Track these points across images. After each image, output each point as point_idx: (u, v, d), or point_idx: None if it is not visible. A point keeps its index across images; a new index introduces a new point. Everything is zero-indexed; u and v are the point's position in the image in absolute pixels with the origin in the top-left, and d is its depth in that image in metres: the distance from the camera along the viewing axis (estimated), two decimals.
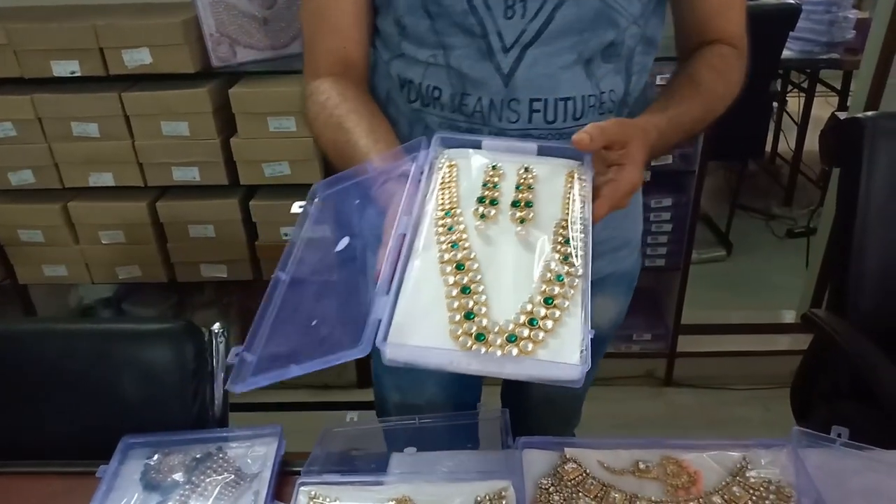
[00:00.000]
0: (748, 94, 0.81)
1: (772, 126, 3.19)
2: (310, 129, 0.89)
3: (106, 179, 1.78)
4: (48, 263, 1.90)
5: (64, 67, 1.66)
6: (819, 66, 2.80)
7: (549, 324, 0.60)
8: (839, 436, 0.82)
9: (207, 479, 0.86)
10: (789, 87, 3.26)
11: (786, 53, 2.64)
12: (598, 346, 1.08)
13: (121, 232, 1.83)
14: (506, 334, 0.59)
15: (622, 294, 1.08)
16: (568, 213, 0.69)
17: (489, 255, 0.66)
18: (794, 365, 1.41)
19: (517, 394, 1.13)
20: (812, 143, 3.03)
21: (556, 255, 0.65)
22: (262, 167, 1.74)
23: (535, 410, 1.17)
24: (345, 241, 0.72)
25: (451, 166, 0.75)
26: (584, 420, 1.30)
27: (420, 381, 1.07)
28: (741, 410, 2.03)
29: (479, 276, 0.64)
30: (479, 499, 0.80)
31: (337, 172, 0.80)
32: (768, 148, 3.39)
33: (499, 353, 0.58)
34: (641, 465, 0.83)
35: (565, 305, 0.61)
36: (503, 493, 0.80)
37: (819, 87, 3.04)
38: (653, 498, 0.79)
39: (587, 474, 0.82)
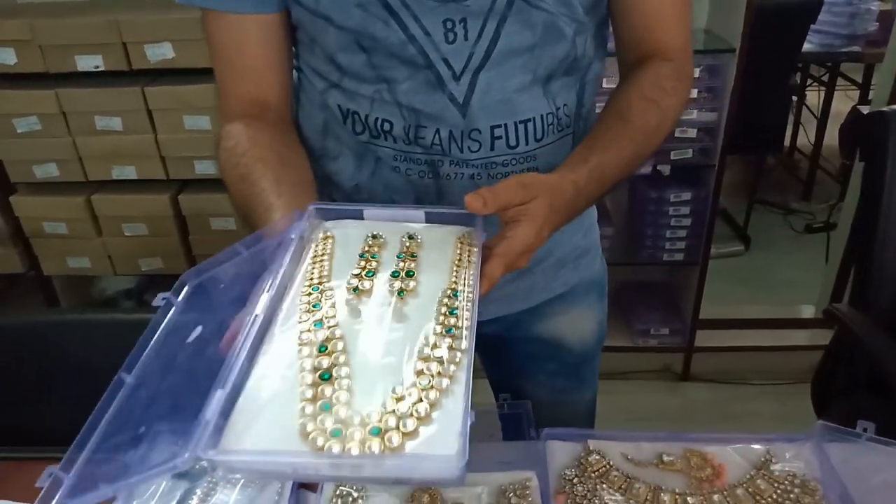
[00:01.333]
0: (768, 87, 0.80)
1: (790, 121, 3.17)
2: (221, 175, 0.79)
3: (129, 173, 1.81)
4: (72, 255, 1.93)
5: (87, 62, 1.69)
6: (840, 59, 2.77)
7: (423, 409, 0.49)
8: (865, 430, 0.82)
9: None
10: (809, 81, 3.23)
11: (806, 47, 2.61)
12: (588, 364, 1.06)
13: (143, 225, 1.86)
14: (368, 427, 0.48)
15: (595, 302, 1.02)
16: (455, 282, 0.61)
17: (359, 334, 0.56)
18: (812, 360, 1.41)
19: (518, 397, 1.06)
20: (831, 137, 3.02)
21: (438, 328, 0.56)
22: None
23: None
24: (197, 331, 0.61)
25: (325, 238, 0.66)
26: (600, 413, 1.30)
27: None
28: (758, 405, 2.03)
29: (343, 359, 0.53)
30: (502, 488, 0.80)
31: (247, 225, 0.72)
32: (787, 142, 3.36)
33: (355, 450, 0.46)
34: (665, 458, 0.84)
35: (443, 385, 0.51)
36: (527, 484, 0.81)
37: (840, 81, 3.01)
38: (677, 490, 0.80)
39: (611, 466, 0.83)
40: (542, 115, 0.77)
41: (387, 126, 0.77)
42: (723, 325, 2.16)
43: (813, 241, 2.79)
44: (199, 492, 0.84)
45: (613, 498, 0.79)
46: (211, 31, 0.77)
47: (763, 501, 0.77)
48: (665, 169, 1.81)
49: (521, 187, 0.64)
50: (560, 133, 0.81)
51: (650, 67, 0.80)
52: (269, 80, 0.79)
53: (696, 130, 1.77)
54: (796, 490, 0.78)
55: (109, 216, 1.86)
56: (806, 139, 3.19)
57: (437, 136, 0.75)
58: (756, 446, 0.84)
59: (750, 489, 0.79)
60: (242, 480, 0.85)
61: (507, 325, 0.95)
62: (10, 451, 0.96)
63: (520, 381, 1.06)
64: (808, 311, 2.29)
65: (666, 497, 0.79)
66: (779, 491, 0.78)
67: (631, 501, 0.78)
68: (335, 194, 0.87)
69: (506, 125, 0.76)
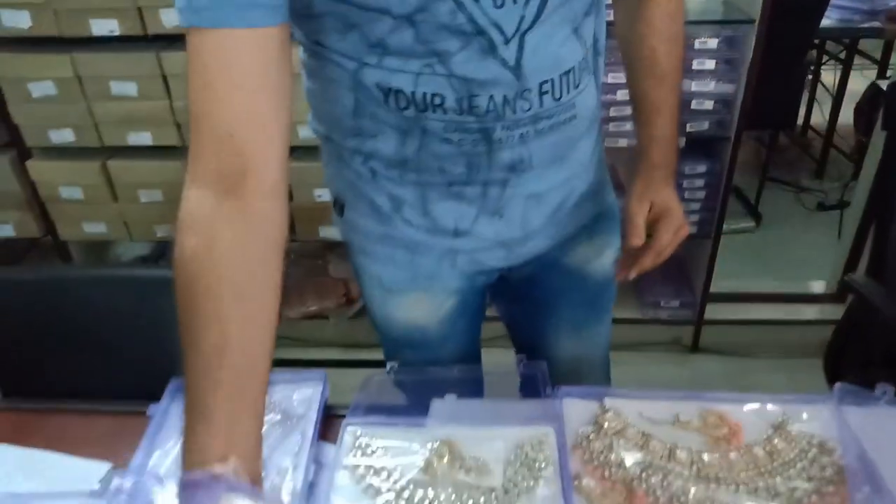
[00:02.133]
0: (783, 63, 0.81)
1: (804, 99, 3.13)
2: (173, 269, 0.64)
3: (144, 139, 1.81)
4: (88, 220, 1.94)
5: (103, 27, 1.68)
6: (859, 34, 2.73)
7: None
8: (884, 393, 0.83)
9: None
10: (825, 59, 3.19)
11: (824, 23, 2.57)
12: (606, 292, 1.11)
13: (159, 191, 1.86)
14: None
15: (612, 230, 1.06)
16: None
17: None
18: (821, 335, 1.41)
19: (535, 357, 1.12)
20: (845, 116, 2.98)
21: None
22: (297, 128, 1.75)
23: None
24: None
25: None
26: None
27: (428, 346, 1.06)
28: (767, 379, 2.03)
29: None
30: (520, 443, 0.82)
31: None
32: (800, 121, 3.33)
33: None
34: (682, 417, 0.85)
35: None
36: (544, 438, 0.82)
37: (857, 60, 2.97)
38: (693, 447, 0.81)
39: (627, 423, 0.84)
40: (578, 62, 0.79)
41: (437, 100, 0.74)
42: (733, 299, 2.16)
43: (824, 220, 2.78)
44: None
45: (630, 454, 0.80)
46: (194, 55, 0.62)
47: (780, 460, 0.78)
48: (680, 141, 1.79)
49: (640, 202, 0.94)
50: (589, 74, 0.83)
51: (654, 5, 0.88)
52: (262, 135, 0.64)
53: (712, 102, 1.75)
54: (814, 450, 0.79)
55: (125, 182, 1.87)
56: (820, 117, 3.16)
57: (491, 101, 0.75)
58: (773, 407, 0.85)
59: (767, 448, 0.80)
60: (264, 431, 0.87)
61: (539, 263, 0.99)
62: (31, 402, 0.98)
63: (542, 320, 1.10)
64: (818, 287, 2.28)
65: (682, 454, 0.80)
66: (796, 451, 0.79)
67: (648, 457, 0.79)
68: (375, 164, 0.85)
69: (553, 80, 0.77)
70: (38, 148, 1.88)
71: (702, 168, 1.85)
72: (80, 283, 1.01)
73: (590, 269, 1.04)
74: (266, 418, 0.88)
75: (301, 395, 0.92)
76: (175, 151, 1.83)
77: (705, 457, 0.79)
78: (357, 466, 0.79)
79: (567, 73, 0.78)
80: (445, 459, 0.79)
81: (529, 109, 0.78)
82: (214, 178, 0.63)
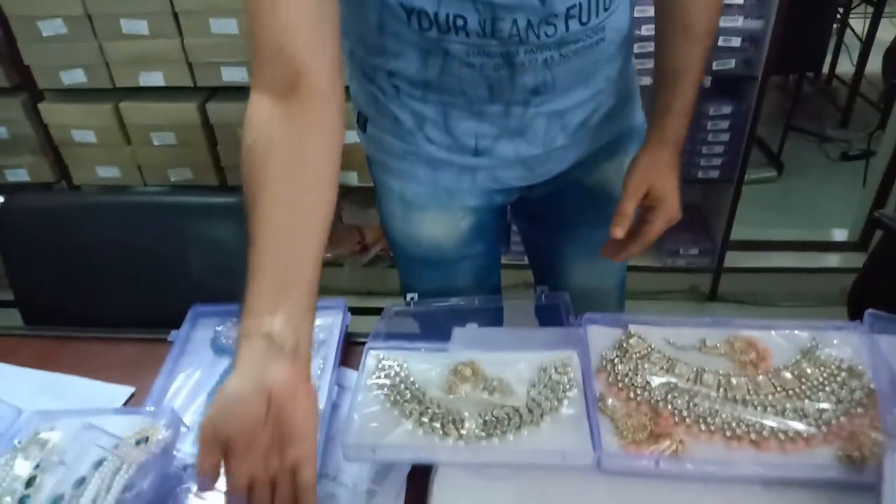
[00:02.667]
0: (812, 3, 0.76)
1: (831, 46, 3.03)
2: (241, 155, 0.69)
3: (156, 79, 1.78)
4: (101, 164, 1.93)
5: None
6: None
7: None
8: None
9: None
10: (856, 2, 3.07)
11: None
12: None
13: (172, 134, 1.85)
14: None
15: (636, 150, 1.00)
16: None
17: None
18: (842, 283, 1.38)
19: (553, 286, 1.10)
20: (873, 66, 2.89)
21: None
22: None
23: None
24: None
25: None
26: None
27: (447, 275, 1.06)
28: None
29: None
30: (543, 366, 0.81)
31: None
32: (825, 69, 3.23)
33: None
34: (708, 342, 0.83)
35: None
36: (568, 362, 0.81)
37: (889, 5, 2.85)
38: (720, 371, 0.79)
39: (652, 349, 0.83)
40: None
41: (459, 22, 0.72)
42: (753, 247, 2.13)
43: (848, 170, 2.72)
44: None
45: (656, 377, 0.79)
46: None
47: (809, 383, 0.77)
48: (706, 80, 1.74)
49: (636, 191, 0.87)
50: None
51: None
52: (315, 41, 0.67)
53: (739, 39, 1.69)
54: (843, 374, 0.78)
55: (138, 124, 1.85)
56: (849, 63, 3.07)
57: (514, 26, 0.73)
58: (802, 333, 0.83)
59: (795, 372, 0.78)
60: None
61: (561, 181, 0.98)
62: (54, 329, 0.98)
63: (559, 240, 1.10)
64: (840, 235, 2.25)
65: (710, 377, 0.78)
66: (825, 374, 0.78)
67: (674, 380, 0.78)
68: (404, 84, 0.83)
69: (580, 3, 0.74)
70: (50, 90, 1.86)
71: (727, 109, 1.80)
72: (101, 210, 1.00)
73: (611, 189, 1.01)
74: None
75: (323, 322, 0.91)
76: (187, 92, 1.81)
77: (733, 380, 0.78)
78: (381, 387, 0.79)
79: None
80: (469, 380, 0.79)
81: (554, 34, 0.75)
82: (270, 84, 0.67)
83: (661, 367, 0.80)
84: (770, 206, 2.53)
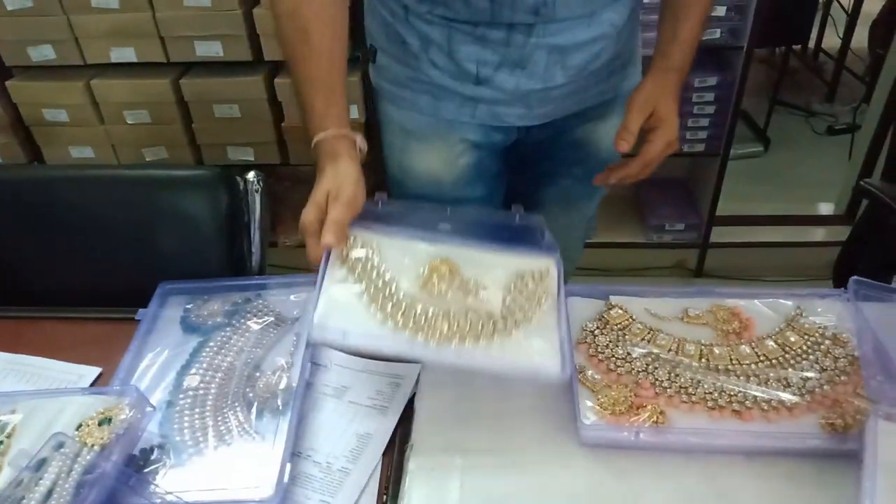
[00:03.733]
0: None
1: (817, 20, 3.01)
2: (271, 6, 0.83)
3: (128, 55, 1.73)
4: (74, 144, 1.88)
5: None
6: None
7: None
8: None
9: (248, 322, 0.86)
10: None
11: None
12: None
13: (145, 111, 1.80)
14: None
15: None
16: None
17: None
18: (829, 257, 1.36)
19: (529, 198, 1.13)
20: (858, 40, 2.87)
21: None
22: None
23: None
24: None
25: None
26: None
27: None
28: None
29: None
30: (521, 273, 0.77)
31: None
32: (811, 43, 3.21)
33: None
34: (691, 312, 0.81)
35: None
36: (545, 272, 0.77)
37: None
38: (703, 341, 0.77)
39: (633, 319, 0.81)
40: None
41: None
42: (739, 222, 2.11)
43: (834, 143, 2.71)
44: (212, 344, 0.83)
45: (637, 348, 0.77)
46: None
47: (792, 352, 0.75)
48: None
49: (640, 110, 0.86)
50: None
51: None
52: None
53: (724, 8, 1.66)
54: (827, 342, 0.76)
55: (111, 102, 1.80)
56: (836, 36, 3.04)
57: None
58: (786, 301, 0.82)
59: (779, 340, 0.77)
60: (258, 332, 0.84)
61: (555, 129, 1.00)
62: (18, 310, 0.95)
63: (541, 189, 1.12)
64: (826, 209, 2.24)
65: (691, 347, 0.77)
66: (809, 342, 0.76)
67: (655, 351, 0.76)
68: (412, 1, 0.88)
69: None
70: (19, 67, 1.80)
71: (712, 81, 1.77)
72: (66, 185, 0.96)
73: (601, 146, 1.03)
74: (259, 321, 0.86)
75: (297, 298, 0.88)
76: (161, 68, 1.75)
77: (715, 349, 0.76)
78: (351, 270, 0.74)
79: None
80: (444, 278, 0.74)
81: None
82: None
83: (643, 338, 0.78)
84: (757, 180, 2.51)
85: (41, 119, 1.83)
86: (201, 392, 0.78)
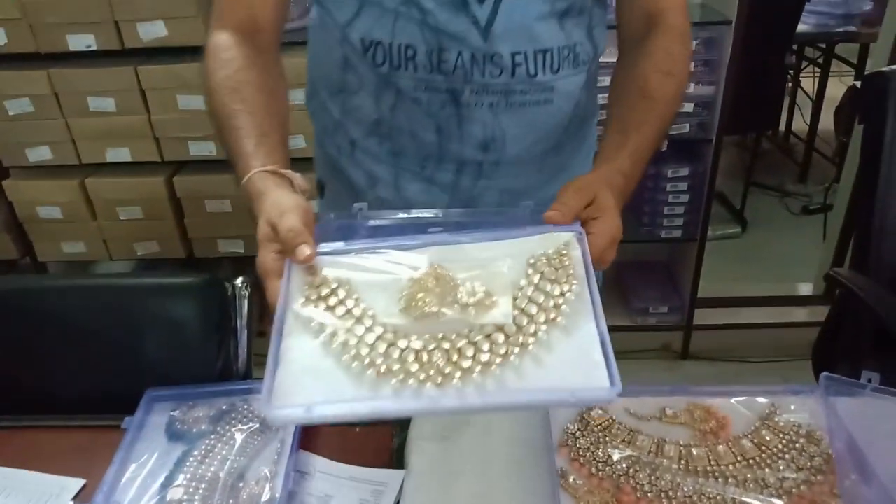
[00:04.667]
0: (762, 65, 0.79)
1: (786, 104, 3.16)
2: (203, 83, 0.79)
3: (123, 154, 1.79)
4: (67, 240, 1.91)
5: (79, 41, 1.67)
6: (835, 38, 2.76)
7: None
8: (869, 381, 0.81)
9: (233, 429, 0.86)
10: (804, 64, 3.22)
11: (802, 27, 2.60)
12: None
13: (139, 208, 1.84)
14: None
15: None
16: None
17: None
18: (811, 336, 1.40)
19: None
20: (826, 121, 3.01)
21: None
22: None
23: None
24: None
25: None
26: None
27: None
28: (759, 382, 2.01)
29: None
30: (533, 259, 0.62)
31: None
32: (782, 126, 3.36)
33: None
34: (668, 412, 0.83)
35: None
36: (565, 251, 0.62)
37: (834, 65, 3.00)
38: (681, 442, 0.79)
39: (613, 420, 0.82)
40: (558, 48, 0.80)
41: (409, 52, 0.79)
42: (721, 304, 2.15)
43: (809, 223, 2.79)
44: (196, 453, 0.83)
45: (617, 450, 0.78)
46: None
47: (768, 451, 0.77)
48: (662, 144, 1.80)
49: (578, 191, 0.69)
50: (575, 69, 0.84)
51: (656, 37, 0.84)
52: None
53: (693, 105, 1.76)
54: (802, 440, 0.78)
55: (104, 199, 1.85)
56: (802, 121, 3.19)
57: (459, 58, 0.78)
58: (760, 399, 0.84)
59: (755, 440, 0.78)
60: (242, 440, 0.84)
61: None
62: (1, 419, 0.95)
63: None
64: (805, 289, 2.28)
65: (670, 448, 0.78)
66: (784, 441, 0.78)
67: (635, 453, 0.77)
68: (354, 130, 0.90)
69: (525, 52, 0.79)
70: (16, 167, 1.86)
71: (684, 171, 1.85)
72: (50, 293, 0.98)
73: None
74: (244, 428, 0.86)
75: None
76: (154, 167, 1.81)
77: (693, 451, 0.77)
78: (316, 318, 0.59)
79: (543, 52, 0.79)
80: (433, 291, 0.58)
81: (500, 76, 0.79)
82: (235, 25, 0.79)
83: (623, 440, 0.79)
84: (736, 261, 2.57)
85: (35, 216, 1.88)
86: None
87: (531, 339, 0.56)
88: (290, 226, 0.60)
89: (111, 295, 0.98)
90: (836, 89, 3.04)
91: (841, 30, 2.64)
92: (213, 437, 0.85)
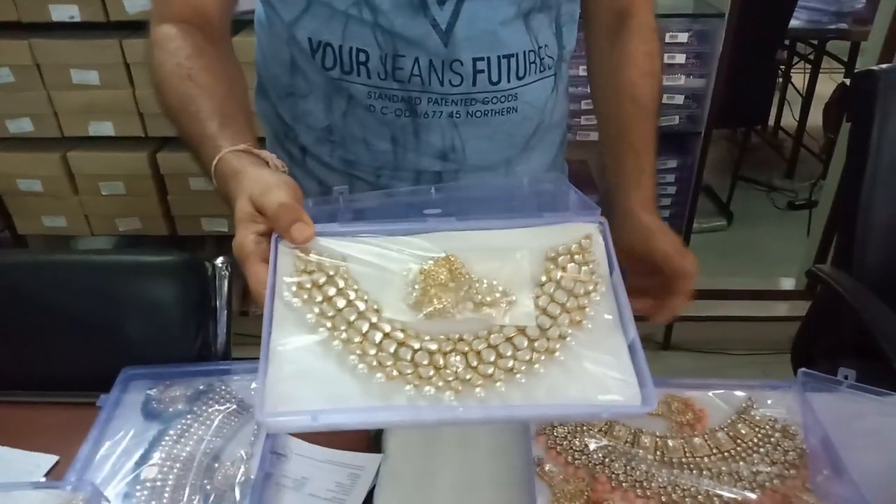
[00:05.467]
0: (753, 59, 0.78)
1: (776, 100, 3.17)
2: (151, 79, 0.73)
3: (106, 129, 1.76)
4: (47, 214, 1.89)
5: (63, 12, 1.63)
6: (827, 36, 2.77)
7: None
8: (846, 377, 0.82)
9: (209, 410, 0.85)
10: (795, 60, 3.23)
11: (794, 24, 2.60)
12: None
13: (121, 183, 1.82)
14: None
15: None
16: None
17: None
18: (792, 331, 1.42)
19: None
20: (815, 118, 3.02)
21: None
22: None
23: None
24: None
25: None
26: None
27: None
28: (739, 374, 2.01)
29: None
30: (552, 253, 0.56)
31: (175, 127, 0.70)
32: (771, 121, 3.37)
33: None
34: None
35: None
36: (587, 244, 0.56)
37: (825, 62, 3.01)
38: (657, 433, 0.79)
39: None
40: (524, 52, 0.76)
41: (362, 57, 0.73)
42: (704, 296, 2.16)
43: (795, 218, 2.81)
44: (171, 432, 0.82)
45: (594, 439, 0.78)
46: None
47: (743, 445, 0.77)
48: None
49: (679, 264, 0.70)
50: (542, 74, 0.80)
51: (631, 37, 0.82)
52: None
53: (683, 97, 1.75)
54: (777, 434, 0.78)
55: (86, 174, 1.82)
56: (790, 118, 3.20)
57: (416, 65, 0.73)
58: (738, 393, 0.84)
59: (731, 433, 0.79)
60: (219, 421, 0.84)
61: None
62: None
63: None
64: (788, 284, 2.30)
65: (647, 439, 0.78)
66: (759, 435, 0.78)
67: (612, 443, 0.78)
68: (304, 136, 0.84)
69: (489, 58, 0.74)
70: None
71: (672, 164, 1.85)
72: (26, 270, 0.96)
73: None
74: (221, 409, 0.86)
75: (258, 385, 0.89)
76: (138, 142, 1.79)
77: (669, 442, 0.77)
78: (306, 303, 0.53)
79: (507, 57, 0.74)
80: (446, 286, 0.53)
81: (460, 84, 0.74)
82: (179, 18, 0.72)
83: (599, 430, 0.79)
84: (721, 254, 2.59)
85: (15, 189, 1.85)
86: (159, 484, 0.77)
87: (557, 345, 0.52)
88: (280, 201, 0.54)
89: (89, 272, 0.96)
90: (826, 86, 3.05)
91: (833, 27, 2.64)
92: (189, 416, 0.85)
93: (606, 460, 0.75)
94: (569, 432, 0.79)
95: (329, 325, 0.52)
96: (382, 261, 0.55)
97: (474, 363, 0.50)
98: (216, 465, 0.79)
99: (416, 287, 0.53)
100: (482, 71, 0.74)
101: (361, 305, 0.53)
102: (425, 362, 0.50)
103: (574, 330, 0.53)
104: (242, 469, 0.77)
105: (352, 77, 0.75)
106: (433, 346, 0.51)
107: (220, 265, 0.97)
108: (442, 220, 0.58)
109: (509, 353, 0.51)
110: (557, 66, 0.82)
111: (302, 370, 0.50)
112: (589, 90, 0.88)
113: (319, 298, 0.53)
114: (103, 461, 0.81)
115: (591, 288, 0.55)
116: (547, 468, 0.75)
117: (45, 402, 0.92)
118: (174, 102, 0.68)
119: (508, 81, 0.76)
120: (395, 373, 0.49)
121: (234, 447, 0.81)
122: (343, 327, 0.52)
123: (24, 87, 1.71)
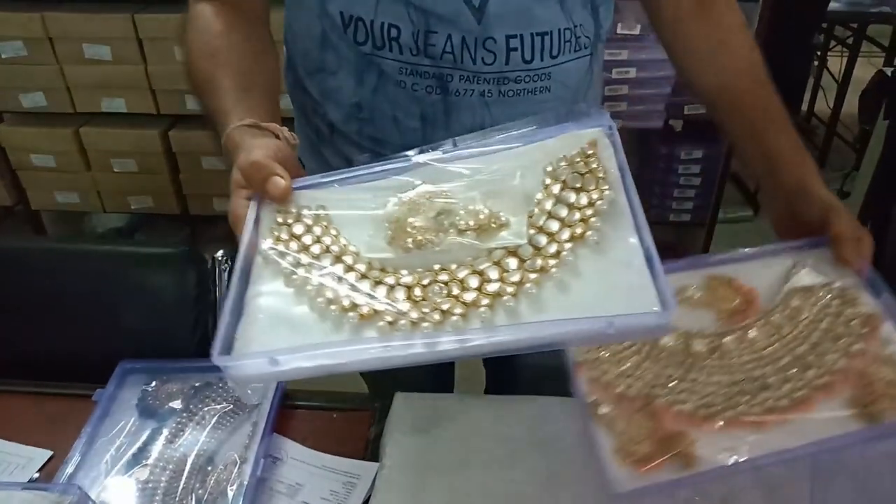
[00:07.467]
0: (789, 44, 0.73)
1: (809, 85, 3.06)
2: (184, 58, 0.76)
3: (118, 105, 1.74)
4: (60, 190, 1.88)
5: None
6: (869, 19, 2.65)
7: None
8: None
9: (205, 409, 0.83)
10: (832, 44, 3.10)
11: (833, 6, 2.49)
12: None
13: (133, 160, 1.80)
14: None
15: None
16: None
17: None
18: None
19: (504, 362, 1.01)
20: (850, 105, 2.90)
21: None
22: None
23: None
24: None
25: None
26: None
27: None
28: None
29: None
30: (550, 164, 0.52)
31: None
32: (804, 108, 3.25)
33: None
34: (688, 292, 0.71)
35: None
36: (591, 150, 0.52)
37: (864, 46, 2.88)
38: (706, 332, 0.66)
39: None
40: (559, 30, 0.74)
41: (393, 32, 0.72)
42: None
43: None
44: (165, 431, 0.80)
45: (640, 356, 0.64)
46: None
47: (803, 321, 0.66)
48: (677, 124, 1.73)
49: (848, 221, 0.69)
50: (577, 53, 0.77)
51: (720, 12, 0.79)
52: None
53: None
54: (835, 302, 0.67)
55: (98, 150, 1.80)
56: (824, 105, 3.08)
57: (448, 42, 0.71)
58: (784, 259, 0.73)
59: (785, 311, 0.67)
60: (214, 421, 0.82)
61: None
62: None
63: None
64: None
65: (700, 346, 0.66)
66: (817, 307, 0.67)
67: (663, 357, 0.64)
68: (333, 112, 0.83)
69: (522, 36, 0.72)
70: (9, 112, 1.81)
71: (698, 153, 1.79)
72: (26, 257, 0.95)
73: None
74: (217, 408, 0.83)
75: (256, 385, 0.86)
76: (150, 119, 1.76)
77: (725, 341, 0.65)
78: (284, 250, 0.51)
79: (541, 35, 0.72)
80: (427, 214, 0.50)
81: (493, 63, 0.73)
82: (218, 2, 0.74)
83: (645, 344, 0.65)
84: (747, 244, 2.49)
85: (29, 163, 1.84)
86: (150, 486, 0.75)
87: (552, 262, 0.46)
88: (252, 160, 0.54)
89: (89, 261, 0.94)
90: (864, 71, 2.92)
91: (875, 10, 2.53)
92: (184, 415, 0.83)
93: (662, 380, 0.61)
94: (611, 354, 0.64)
95: (304, 272, 0.49)
96: (363, 203, 0.53)
97: (455, 292, 0.46)
98: (209, 468, 0.76)
99: (391, 223, 0.50)
100: (515, 49, 0.73)
101: (336, 249, 0.50)
102: (401, 297, 0.46)
103: (575, 244, 0.47)
104: (235, 473, 0.75)
105: (383, 52, 0.74)
106: (409, 280, 0.47)
107: (220, 258, 0.94)
108: (429, 154, 0.55)
109: (495, 277, 0.46)
110: (594, 45, 0.80)
111: (273, 318, 0.47)
112: (611, 75, 0.84)
113: (296, 248, 0.51)
114: (96, 460, 0.79)
115: (595, 196, 0.49)
116: (601, 410, 0.60)
117: (42, 393, 0.91)
118: (198, 79, 0.71)
119: (542, 60, 0.74)
120: (366, 311, 0.45)
121: (229, 450, 0.78)
122: (316, 272, 0.49)
123: (36, 61, 1.69)
